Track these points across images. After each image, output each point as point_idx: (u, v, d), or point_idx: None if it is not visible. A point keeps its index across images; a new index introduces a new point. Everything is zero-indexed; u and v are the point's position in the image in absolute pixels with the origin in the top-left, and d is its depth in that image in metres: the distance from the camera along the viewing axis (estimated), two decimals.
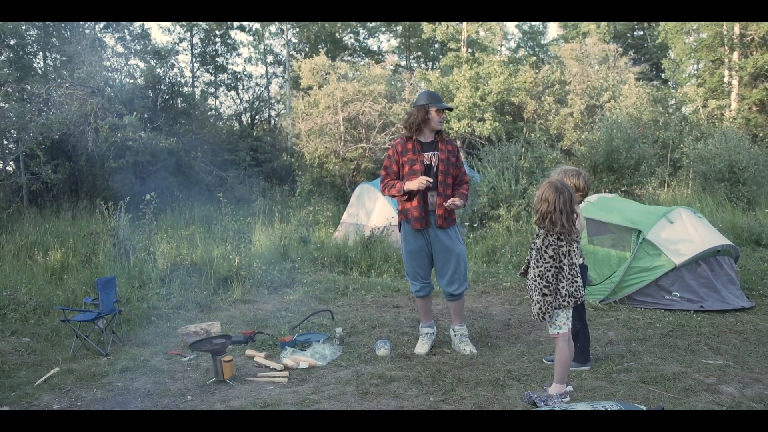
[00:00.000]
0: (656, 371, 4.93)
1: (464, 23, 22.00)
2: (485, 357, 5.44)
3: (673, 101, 20.12)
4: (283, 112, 23.31)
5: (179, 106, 18.15)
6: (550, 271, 4.34)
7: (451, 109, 5.43)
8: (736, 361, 5.18)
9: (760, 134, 20.10)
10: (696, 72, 23.79)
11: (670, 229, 6.92)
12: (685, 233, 6.91)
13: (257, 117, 24.16)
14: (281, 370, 5.28)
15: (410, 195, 5.20)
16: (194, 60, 24.72)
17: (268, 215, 14.23)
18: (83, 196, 16.52)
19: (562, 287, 4.36)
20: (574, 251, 4.39)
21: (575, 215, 4.36)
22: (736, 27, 21.06)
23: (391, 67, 23.53)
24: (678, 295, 6.71)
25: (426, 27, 22.79)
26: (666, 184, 17.57)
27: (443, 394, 4.60)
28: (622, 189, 14.79)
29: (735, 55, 21.48)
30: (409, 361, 5.40)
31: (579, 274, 4.46)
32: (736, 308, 6.67)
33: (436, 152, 5.19)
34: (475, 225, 10.76)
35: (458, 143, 18.78)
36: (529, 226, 10.78)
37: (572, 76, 19.77)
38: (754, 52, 21.26)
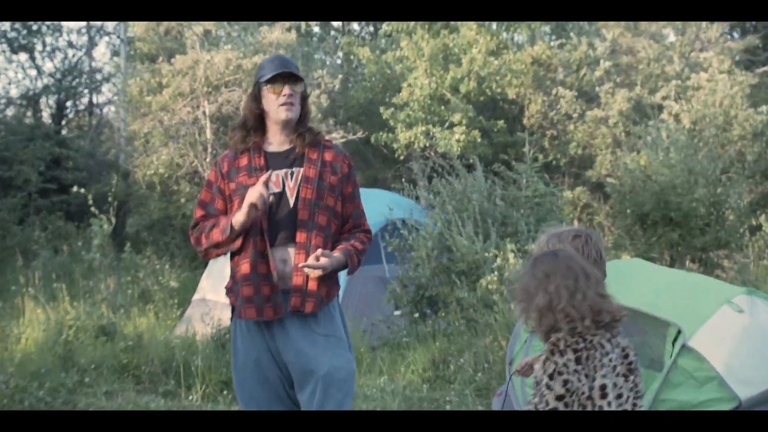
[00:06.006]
0: None
1: None
2: None
3: None
4: (116, 98, 14.93)
5: None
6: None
7: (299, 78, 3.02)
8: None
9: None
10: None
11: (736, 329, 4.33)
12: (760, 339, 4.34)
13: (69, 104, 15.55)
14: None
15: (242, 237, 3.01)
16: None
17: (60, 280, 9.38)
18: None
19: None
20: (619, 385, 2.37)
21: (602, 296, 2.37)
22: None
23: (308, 27, 15.04)
24: None
25: None
26: None
27: None
28: (690, 258, 9.80)
29: None
30: None
31: None
32: None
33: (296, 169, 3.05)
34: (419, 315, 7.27)
35: (415, 170, 10.56)
36: (507, 317, 6.83)
37: (609, 51, 11.60)
38: None
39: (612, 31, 12.13)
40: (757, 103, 11.40)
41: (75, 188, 8.27)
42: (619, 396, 2.37)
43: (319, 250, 2.91)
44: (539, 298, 2.35)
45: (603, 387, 2.30)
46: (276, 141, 3.08)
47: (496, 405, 5.71)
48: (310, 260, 2.93)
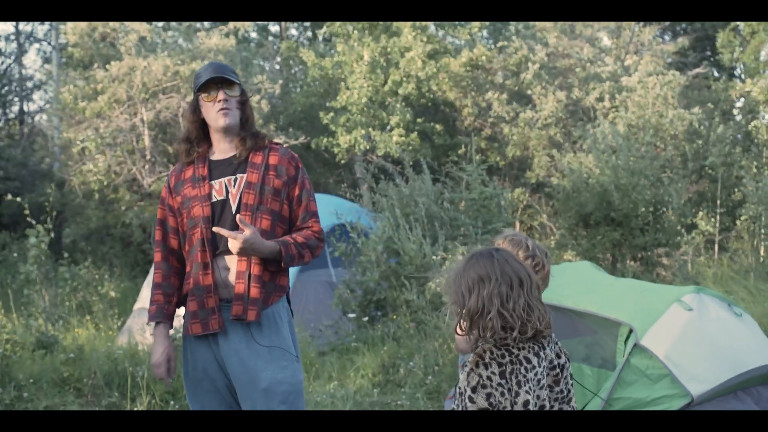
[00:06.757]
0: None
1: None
2: None
3: (739, 103, 12.57)
4: (48, 106, 14.35)
5: None
6: None
7: (234, 82, 2.89)
8: None
9: None
10: None
11: (686, 327, 4.26)
12: (709, 336, 4.32)
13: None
14: None
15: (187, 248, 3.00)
16: None
17: None
18: None
19: None
20: (543, 398, 2.24)
21: (531, 308, 2.18)
22: None
23: (246, 33, 14.73)
24: None
25: None
26: (716, 246, 10.19)
27: None
28: (632, 256, 9.64)
29: None
30: None
31: None
32: None
33: (239, 175, 2.93)
34: (368, 319, 7.24)
35: (358, 173, 10.40)
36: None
37: (545, 53, 11.63)
38: None
39: (550, 34, 12.19)
40: (689, 105, 11.52)
41: (9, 197, 7.83)
42: (542, 408, 2.27)
43: (238, 216, 2.76)
44: (472, 302, 2.19)
45: (526, 403, 2.20)
46: (219, 149, 2.99)
47: (447, 408, 5.53)
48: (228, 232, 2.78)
